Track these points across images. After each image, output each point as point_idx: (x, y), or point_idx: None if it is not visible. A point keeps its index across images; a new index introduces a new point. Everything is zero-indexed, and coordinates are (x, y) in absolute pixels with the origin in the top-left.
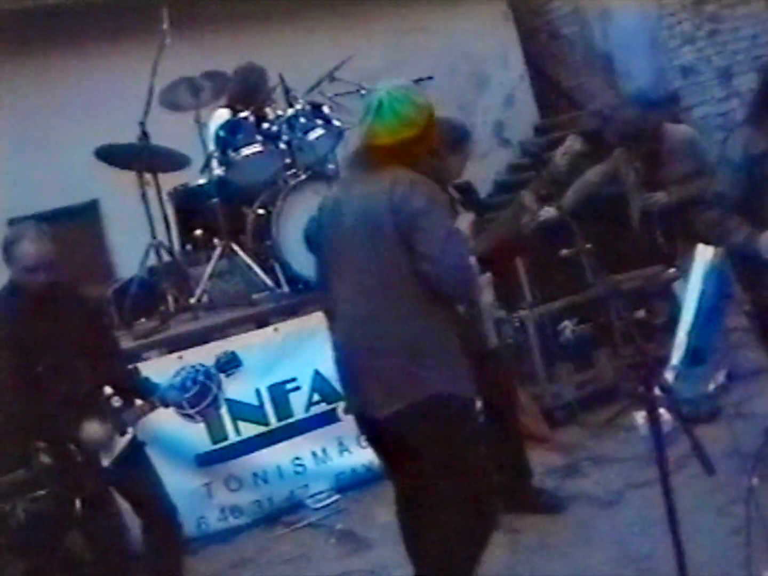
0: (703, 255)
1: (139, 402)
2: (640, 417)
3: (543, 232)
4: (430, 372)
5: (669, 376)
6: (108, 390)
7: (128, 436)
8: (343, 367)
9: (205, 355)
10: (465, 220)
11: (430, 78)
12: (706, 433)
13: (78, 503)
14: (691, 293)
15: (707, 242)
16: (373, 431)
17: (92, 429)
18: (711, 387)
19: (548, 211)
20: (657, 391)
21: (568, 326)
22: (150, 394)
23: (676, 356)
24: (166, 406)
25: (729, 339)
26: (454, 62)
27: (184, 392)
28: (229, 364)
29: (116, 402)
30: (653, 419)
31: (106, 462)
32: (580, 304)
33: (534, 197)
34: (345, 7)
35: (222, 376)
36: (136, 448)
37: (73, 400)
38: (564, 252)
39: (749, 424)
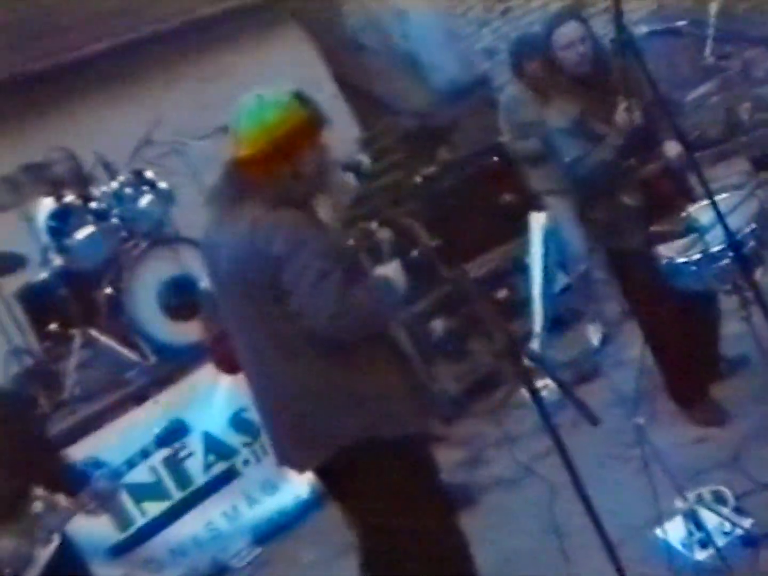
0: (537, 221)
1: (63, 502)
2: (527, 392)
3: None
4: (343, 418)
5: (535, 344)
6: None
7: (54, 544)
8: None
9: (92, 447)
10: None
11: None
12: (593, 388)
13: None
14: (534, 262)
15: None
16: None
17: (3, 545)
18: (594, 343)
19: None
20: (527, 363)
21: (437, 324)
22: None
23: (537, 324)
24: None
25: (596, 293)
26: None
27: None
28: (176, 432)
29: (38, 507)
30: (531, 390)
31: None
32: (442, 300)
33: None
34: (144, 70)
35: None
36: (64, 553)
37: None
38: (413, 253)
39: (629, 371)
